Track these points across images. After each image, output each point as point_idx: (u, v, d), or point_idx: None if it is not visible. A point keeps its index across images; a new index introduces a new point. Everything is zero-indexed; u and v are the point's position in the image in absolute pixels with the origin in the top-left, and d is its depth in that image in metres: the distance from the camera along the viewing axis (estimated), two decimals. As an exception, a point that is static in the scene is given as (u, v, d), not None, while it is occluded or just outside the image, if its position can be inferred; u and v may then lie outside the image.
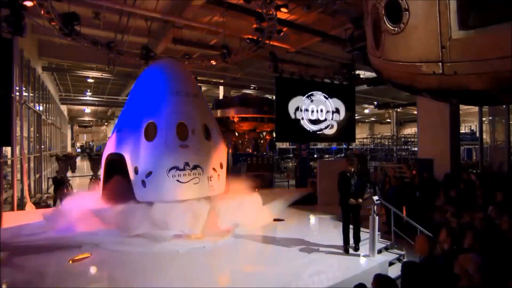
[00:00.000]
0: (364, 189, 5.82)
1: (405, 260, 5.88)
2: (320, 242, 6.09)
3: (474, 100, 4.25)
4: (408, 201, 7.87)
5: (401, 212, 7.01)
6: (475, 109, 17.70)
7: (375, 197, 5.46)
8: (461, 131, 15.17)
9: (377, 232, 5.58)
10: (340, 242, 5.95)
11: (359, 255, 5.53)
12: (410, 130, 36.27)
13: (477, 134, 15.77)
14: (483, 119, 14.06)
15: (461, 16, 2.72)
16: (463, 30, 2.67)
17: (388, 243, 6.31)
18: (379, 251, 5.82)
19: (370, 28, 4.81)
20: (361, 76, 16.26)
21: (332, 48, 13.79)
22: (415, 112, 18.69)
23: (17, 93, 9.09)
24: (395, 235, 6.61)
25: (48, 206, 9.91)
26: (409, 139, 24.55)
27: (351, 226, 5.81)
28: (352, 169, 5.69)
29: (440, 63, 2.91)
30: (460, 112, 11.26)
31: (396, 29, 3.54)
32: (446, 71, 2.86)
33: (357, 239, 5.78)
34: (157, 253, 5.52)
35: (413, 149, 20.99)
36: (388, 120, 37.42)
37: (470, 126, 30.30)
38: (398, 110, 28.17)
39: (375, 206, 5.39)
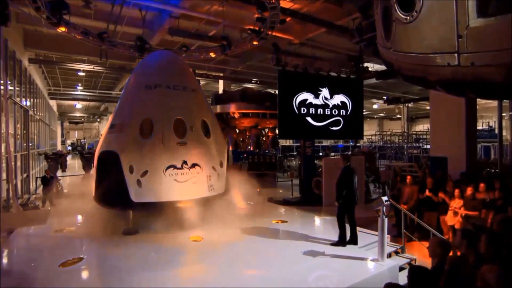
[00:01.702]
0: (339, 189, 6.19)
1: (415, 265, 5.88)
2: (325, 244, 6.10)
3: (492, 93, 4.21)
4: (420, 202, 7.86)
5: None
6: (494, 103, 17.56)
7: (384, 198, 5.45)
8: (478, 127, 15.08)
9: (386, 235, 5.58)
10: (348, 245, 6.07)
11: (366, 259, 5.52)
12: (422, 127, 36.16)
13: (496, 131, 15.67)
14: (503, 114, 13.95)
15: (480, 2, 2.69)
16: (482, 17, 2.63)
17: (398, 247, 6.31)
18: (389, 255, 5.83)
19: (379, 17, 4.76)
20: (370, 69, 16.24)
21: (339, 39, 13.72)
22: (428, 107, 18.57)
23: (2, 87, 9.08)
24: (406, 238, 6.61)
25: (36, 207, 9.92)
26: (421, 136, 24.47)
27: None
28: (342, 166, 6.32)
29: (456, 54, 2.88)
30: (477, 107, 11.16)
31: (408, 17, 3.50)
32: (463, 62, 2.83)
33: (353, 238, 6.15)
34: (154, 256, 5.54)
35: (425, 146, 20.92)
36: (399, 116, 37.30)
37: (488, 122, 30.12)
38: (409, 105, 28.01)
39: (384, 207, 5.38)
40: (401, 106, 29.76)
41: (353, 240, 6.17)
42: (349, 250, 5.89)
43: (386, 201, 5.39)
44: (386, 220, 5.47)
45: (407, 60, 3.83)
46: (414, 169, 12.54)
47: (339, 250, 5.81)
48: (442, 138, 10.84)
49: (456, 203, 7.05)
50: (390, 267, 5.32)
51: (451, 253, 3.28)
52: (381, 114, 44.08)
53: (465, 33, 2.76)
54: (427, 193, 7.81)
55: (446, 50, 3.02)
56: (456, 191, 7.21)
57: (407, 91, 26.02)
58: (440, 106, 10.89)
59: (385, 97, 26.09)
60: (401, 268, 5.66)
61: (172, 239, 6.33)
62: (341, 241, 6.11)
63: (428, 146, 17.15)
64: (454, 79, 3.12)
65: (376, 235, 5.68)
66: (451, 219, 7.00)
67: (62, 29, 9.10)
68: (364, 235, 6.73)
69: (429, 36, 3.29)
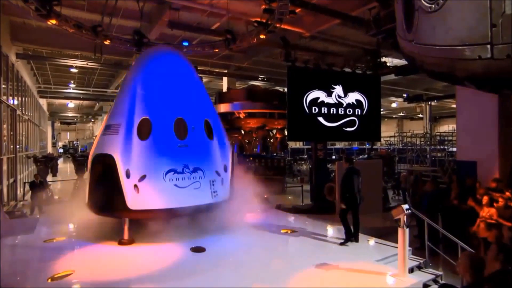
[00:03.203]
0: (342, 190, 7.14)
1: (443, 282, 5.78)
2: (339, 256, 6.05)
3: (531, 90, 4.15)
4: (445, 211, 7.76)
5: (437, 223, 6.93)
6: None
7: (405, 206, 5.37)
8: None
9: (407, 248, 5.50)
10: (363, 256, 6.13)
11: (386, 274, 5.44)
12: (447, 127, 35.80)
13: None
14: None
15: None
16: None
17: (421, 261, 6.22)
18: (411, 270, 5.74)
19: (400, 6, 4.74)
20: (388, 64, 16.15)
21: (354, 32, 13.69)
22: (454, 106, 18.38)
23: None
24: (430, 251, 6.51)
25: (23, 215, 10.00)
26: (446, 138, 24.23)
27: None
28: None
29: (488, 46, 2.83)
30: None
31: (433, 6, 3.47)
32: (497, 55, 2.77)
33: (355, 235, 6.90)
34: (151, 268, 5.52)
35: (450, 149, 20.70)
36: (420, 115, 37.06)
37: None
38: (432, 103, 27.84)
39: (405, 216, 5.31)
40: (423, 105, 29.56)
41: (355, 238, 6.85)
42: (366, 263, 5.81)
43: (407, 209, 5.31)
44: (407, 230, 5.40)
45: (431, 53, 3.79)
46: (439, 175, 12.40)
47: (355, 264, 5.74)
48: (470, 140, 10.67)
49: (485, 212, 6.92)
50: (413, 283, 5.23)
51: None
52: (401, 114, 43.86)
53: (500, 22, 2.69)
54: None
55: (477, 42, 2.97)
56: (485, 199, 7.07)
57: (430, 87, 25.83)
58: (468, 104, 10.73)
59: (405, 95, 25.96)
60: (425, 285, 5.56)
61: (171, 249, 6.32)
62: (347, 240, 6.82)
63: (454, 149, 16.95)
64: (486, 74, 3.06)
65: (396, 247, 5.59)
66: (483, 231, 6.86)
67: (52, 21, 9.19)
68: (383, 247, 6.66)
69: (457, 26, 3.24)
